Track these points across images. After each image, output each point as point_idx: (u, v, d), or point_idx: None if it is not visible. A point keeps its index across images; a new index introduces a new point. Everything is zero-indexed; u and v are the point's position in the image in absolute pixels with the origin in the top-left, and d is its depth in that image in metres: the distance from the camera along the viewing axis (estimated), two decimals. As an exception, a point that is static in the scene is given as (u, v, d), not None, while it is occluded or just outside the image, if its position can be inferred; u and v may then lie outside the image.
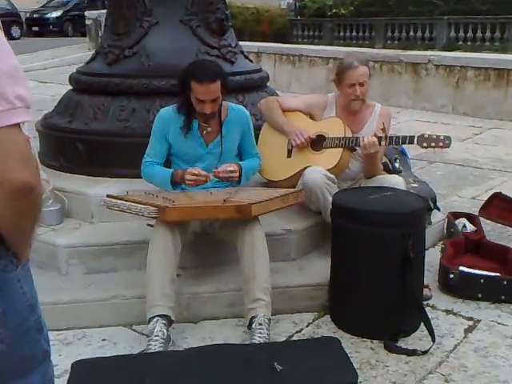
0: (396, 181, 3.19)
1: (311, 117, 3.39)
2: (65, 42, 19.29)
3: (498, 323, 2.92)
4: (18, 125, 1.13)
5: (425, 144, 3.05)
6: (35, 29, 25.03)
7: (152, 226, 2.80)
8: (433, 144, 3.04)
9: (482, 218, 3.92)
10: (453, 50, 11.38)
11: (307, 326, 2.90)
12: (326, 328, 2.88)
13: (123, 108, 3.56)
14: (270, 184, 3.39)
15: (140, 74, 3.59)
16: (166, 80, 3.50)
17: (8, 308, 1.22)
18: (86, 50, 15.05)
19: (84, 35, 18.48)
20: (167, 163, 3.04)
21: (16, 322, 1.24)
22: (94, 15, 16.12)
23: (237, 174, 2.91)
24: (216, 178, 2.93)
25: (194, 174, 2.83)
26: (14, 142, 1.12)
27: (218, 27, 3.80)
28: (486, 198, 4.11)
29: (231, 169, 2.89)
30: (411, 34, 15.52)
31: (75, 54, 14.84)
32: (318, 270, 3.09)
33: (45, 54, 16.05)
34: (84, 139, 3.53)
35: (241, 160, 3.11)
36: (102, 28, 4.65)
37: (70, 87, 3.96)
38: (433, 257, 3.47)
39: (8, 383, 1.24)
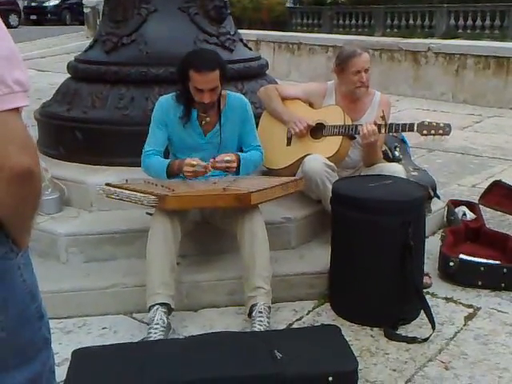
0: (396, 169, 3.18)
1: (310, 105, 3.38)
2: (63, 31, 19.20)
3: (498, 311, 2.92)
4: (17, 109, 1.12)
5: (425, 131, 3.04)
6: (33, 17, 24.94)
7: (151, 214, 2.79)
8: (433, 131, 3.03)
9: (481, 206, 3.92)
10: (452, 38, 11.33)
11: (307, 314, 2.90)
12: (326, 316, 2.88)
13: (122, 96, 3.54)
14: (269, 172, 3.38)
15: (138, 62, 3.57)
16: (165, 68, 3.47)
17: (8, 296, 1.21)
18: (84, 39, 14.98)
19: (82, 23, 18.43)
20: (166, 153, 3.03)
21: (17, 310, 1.23)
22: (92, 3, 16.04)
23: (234, 164, 2.86)
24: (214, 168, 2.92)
25: (193, 165, 2.80)
26: (14, 126, 1.11)
27: (216, 15, 3.77)
28: (485, 186, 4.11)
29: (228, 158, 2.85)
30: (411, 22, 15.43)
31: (73, 42, 14.79)
32: (318, 258, 3.09)
33: (43, 43, 15.99)
34: (82, 127, 3.51)
35: (241, 152, 3.07)
36: (100, 16, 4.62)
37: (69, 75, 3.94)
38: (433, 245, 3.47)
39: (9, 371, 1.24)
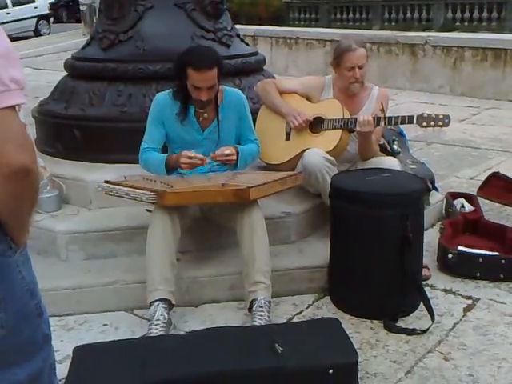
0: (391, 163, 3.18)
1: (308, 99, 3.38)
2: (59, 29, 19.16)
3: (497, 302, 2.93)
4: (13, 107, 1.12)
5: (424, 123, 3.04)
6: (29, 16, 24.81)
7: (150, 211, 2.80)
8: (432, 123, 3.04)
9: (480, 198, 3.93)
10: (450, 31, 11.32)
11: (307, 308, 2.91)
12: (326, 309, 2.90)
13: (119, 93, 3.55)
14: (269, 167, 3.39)
15: (135, 59, 3.57)
16: (162, 64, 3.48)
17: (8, 293, 1.22)
18: (81, 36, 14.95)
19: (78, 21, 18.38)
20: (164, 150, 3.03)
21: (16, 307, 1.24)
22: (89, 1, 15.99)
23: (234, 157, 2.89)
24: (215, 162, 2.92)
25: (189, 157, 2.82)
26: (11, 124, 1.12)
27: (213, 10, 3.77)
28: (484, 178, 4.11)
29: (228, 152, 2.87)
30: (408, 15, 15.41)
31: (70, 40, 14.76)
32: (318, 252, 3.10)
33: (39, 41, 15.96)
34: (80, 125, 3.52)
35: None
36: (97, 13, 4.63)
37: (66, 73, 3.94)
38: (431, 237, 3.49)
39: (10, 367, 1.25)
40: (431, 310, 2.70)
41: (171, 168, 2.91)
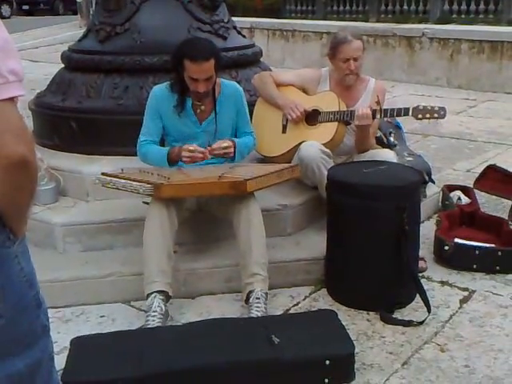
0: (388, 155, 3.19)
1: (305, 91, 3.38)
2: (56, 21, 19.07)
3: (493, 293, 2.95)
4: (12, 99, 1.12)
5: (419, 115, 3.05)
6: (25, 7, 24.75)
7: (147, 203, 2.80)
8: (428, 115, 3.04)
9: (476, 191, 3.94)
10: (447, 23, 11.26)
11: (304, 300, 2.92)
12: (323, 301, 2.91)
13: (116, 85, 3.54)
14: (265, 160, 3.39)
15: (132, 51, 3.56)
16: (159, 57, 3.47)
17: (6, 284, 1.23)
18: (77, 28, 14.87)
19: (75, 13, 18.33)
20: (162, 142, 3.03)
21: (15, 298, 1.25)
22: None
23: (232, 150, 2.89)
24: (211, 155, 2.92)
25: (191, 151, 2.82)
26: (9, 115, 1.12)
27: (209, 2, 3.75)
28: (480, 171, 4.12)
29: (225, 144, 2.88)
30: (405, 7, 15.36)
31: (67, 32, 14.71)
32: (314, 244, 3.11)
33: (36, 33, 15.89)
34: (77, 117, 3.51)
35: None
36: (93, 5, 4.61)
37: (63, 66, 3.93)
38: (428, 229, 3.50)
39: (9, 357, 1.25)
40: (427, 302, 2.72)
41: (173, 161, 2.91)
